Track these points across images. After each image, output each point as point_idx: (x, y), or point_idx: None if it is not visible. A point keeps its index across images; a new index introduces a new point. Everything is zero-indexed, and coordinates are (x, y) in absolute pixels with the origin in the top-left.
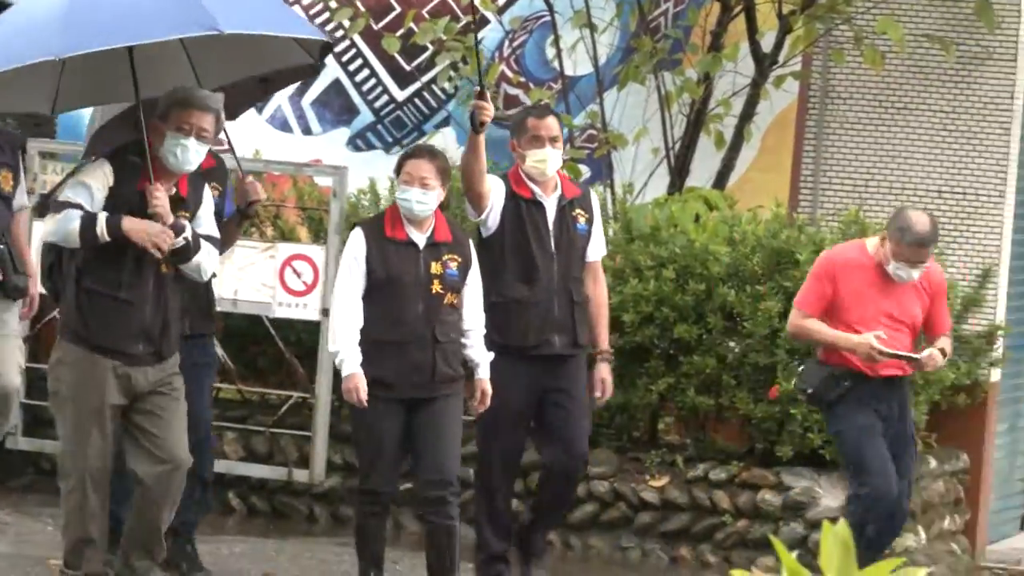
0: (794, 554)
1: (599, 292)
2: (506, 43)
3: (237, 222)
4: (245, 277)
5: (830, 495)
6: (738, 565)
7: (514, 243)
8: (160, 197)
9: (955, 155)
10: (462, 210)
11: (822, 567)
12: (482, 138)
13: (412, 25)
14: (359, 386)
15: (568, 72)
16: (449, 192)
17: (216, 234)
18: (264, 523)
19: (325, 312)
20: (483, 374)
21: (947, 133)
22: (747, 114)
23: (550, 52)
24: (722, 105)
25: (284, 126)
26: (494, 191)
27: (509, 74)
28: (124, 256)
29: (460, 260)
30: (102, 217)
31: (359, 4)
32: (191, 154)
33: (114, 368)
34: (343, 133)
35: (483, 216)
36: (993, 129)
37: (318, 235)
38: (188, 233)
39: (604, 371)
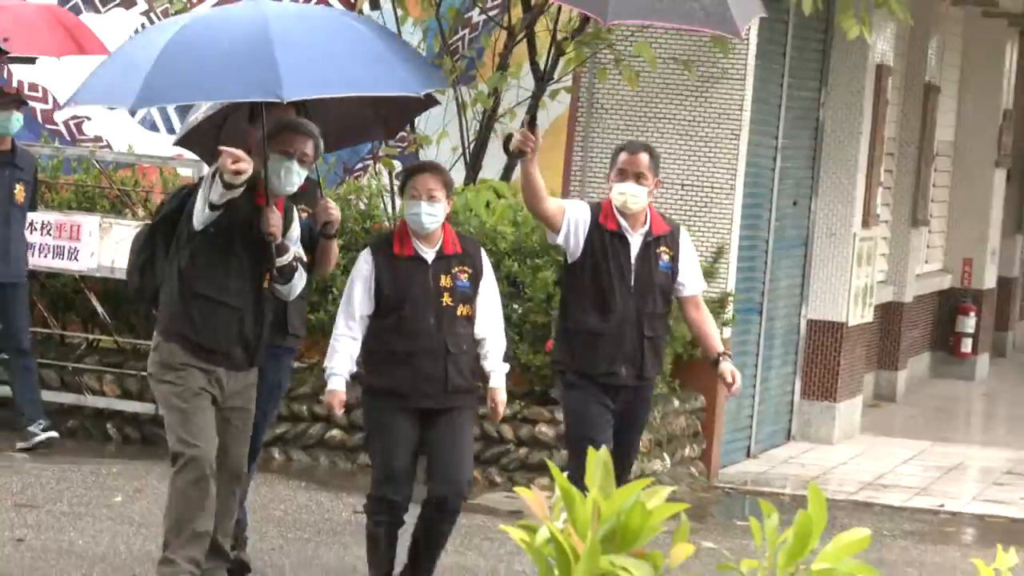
0: (565, 474)
1: (703, 315)
2: None
3: (322, 242)
4: (120, 249)
5: None
6: (520, 484)
7: (594, 273)
8: (275, 217)
9: (695, 156)
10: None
11: (588, 484)
12: (532, 164)
13: None
14: (332, 403)
15: None
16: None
17: (303, 255)
18: (136, 449)
19: None
20: (496, 383)
21: (689, 138)
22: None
23: None
24: (508, 114)
25: (153, 127)
26: (571, 215)
27: None
28: (230, 265)
29: (470, 271)
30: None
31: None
32: (294, 176)
33: (211, 373)
34: None
35: (560, 239)
36: (726, 135)
37: None
38: (291, 254)
39: (726, 367)
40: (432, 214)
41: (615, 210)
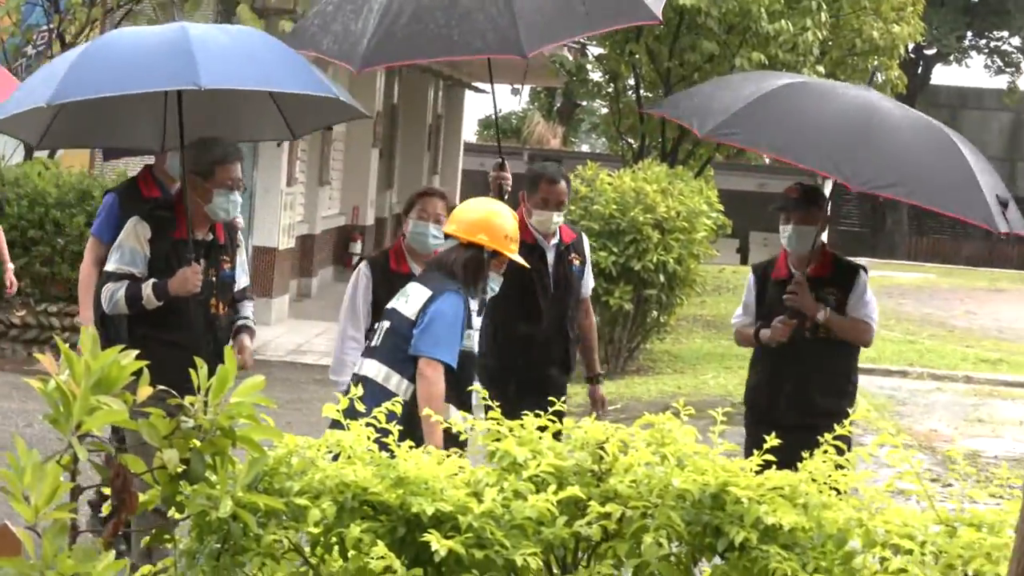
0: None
1: (590, 324)
2: None
3: None
4: None
5: None
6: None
7: (520, 284)
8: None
9: None
10: None
11: (96, 361)
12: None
13: None
14: None
15: None
16: None
17: (248, 281)
18: None
19: None
20: None
21: None
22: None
23: None
24: None
25: None
26: None
27: None
28: (173, 304)
29: None
30: (147, 286)
31: None
32: (238, 204)
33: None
34: None
35: None
36: None
37: None
38: (249, 322)
39: (601, 390)
40: (437, 236)
41: (531, 226)
